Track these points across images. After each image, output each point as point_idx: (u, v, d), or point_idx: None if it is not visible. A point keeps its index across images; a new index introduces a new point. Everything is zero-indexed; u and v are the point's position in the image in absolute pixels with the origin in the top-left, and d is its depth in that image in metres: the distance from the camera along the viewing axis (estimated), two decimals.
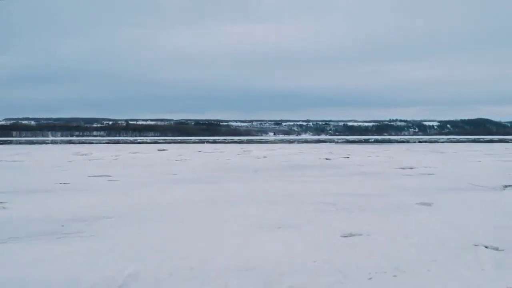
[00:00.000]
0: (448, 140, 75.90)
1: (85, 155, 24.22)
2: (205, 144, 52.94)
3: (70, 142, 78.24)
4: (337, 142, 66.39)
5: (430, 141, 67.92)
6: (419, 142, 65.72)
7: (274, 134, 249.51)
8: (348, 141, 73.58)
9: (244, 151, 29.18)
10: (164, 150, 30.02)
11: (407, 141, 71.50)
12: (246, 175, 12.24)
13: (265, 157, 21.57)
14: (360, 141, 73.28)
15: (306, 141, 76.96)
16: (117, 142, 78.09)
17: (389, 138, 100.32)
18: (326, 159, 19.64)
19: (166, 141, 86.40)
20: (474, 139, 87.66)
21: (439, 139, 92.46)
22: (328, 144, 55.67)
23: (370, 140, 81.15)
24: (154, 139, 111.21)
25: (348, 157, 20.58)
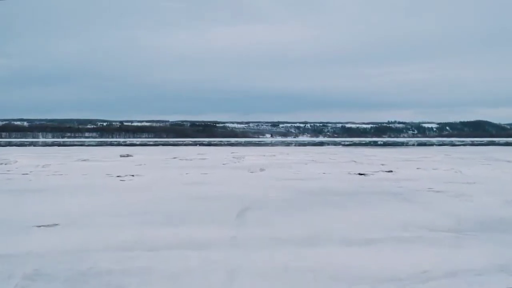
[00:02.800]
0: (463, 143, 68.81)
1: (3, 164, 16.97)
2: (196, 147, 45.59)
3: (53, 144, 70.64)
4: (343, 145, 59.08)
5: (445, 144, 60.82)
6: (435, 145, 58.53)
7: (271, 135, 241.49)
8: (354, 144, 66.29)
9: (234, 157, 21.85)
10: (128, 156, 22.71)
11: (424, 144, 64.19)
12: (216, 234, 4.98)
13: (262, 169, 14.30)
14: (367, 144, 66.07)
15: (308, 144, 69.63)
16: (104, 144, 70.45)
17: (401, 142, 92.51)
18: (360, 174, 12.40)
19: (157, 143, 78.84)
20: (488, 141, 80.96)
21: (452, 141, 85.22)
22: (333, 147, 48.19)
23: (379, 143, 73.96)
24: (144, 141, 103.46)
25: (391, 171, 13.31)
